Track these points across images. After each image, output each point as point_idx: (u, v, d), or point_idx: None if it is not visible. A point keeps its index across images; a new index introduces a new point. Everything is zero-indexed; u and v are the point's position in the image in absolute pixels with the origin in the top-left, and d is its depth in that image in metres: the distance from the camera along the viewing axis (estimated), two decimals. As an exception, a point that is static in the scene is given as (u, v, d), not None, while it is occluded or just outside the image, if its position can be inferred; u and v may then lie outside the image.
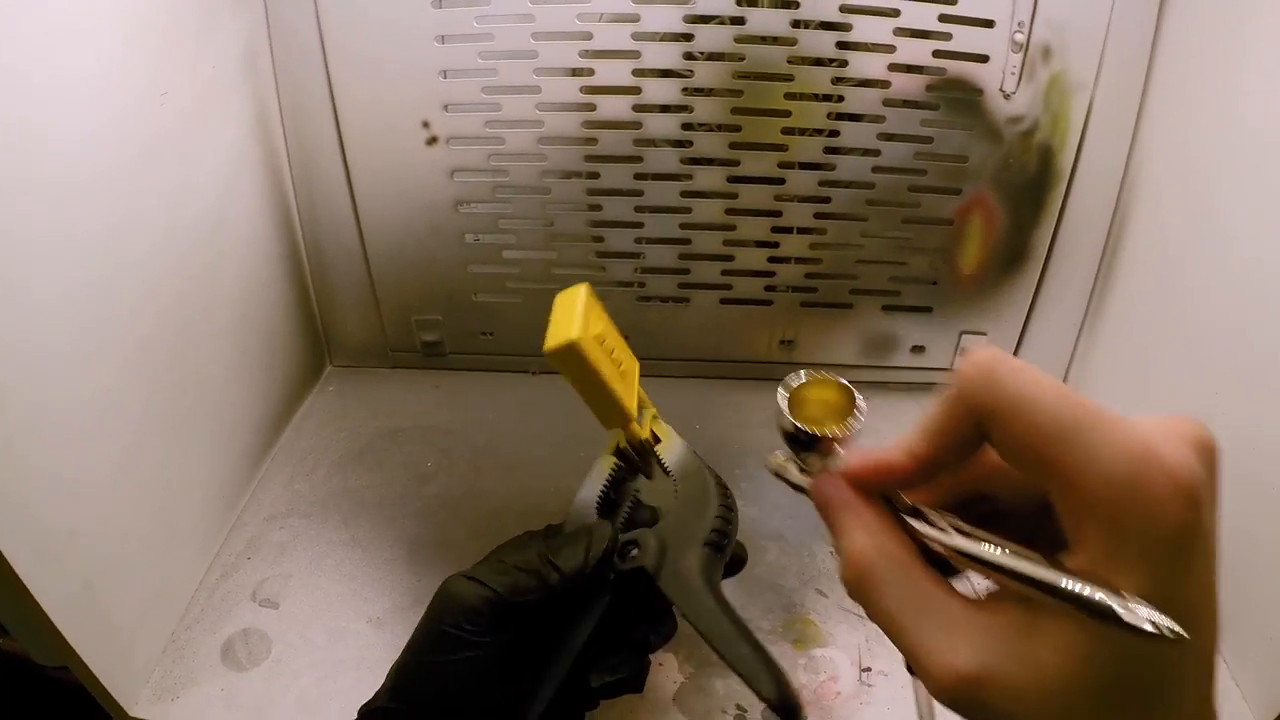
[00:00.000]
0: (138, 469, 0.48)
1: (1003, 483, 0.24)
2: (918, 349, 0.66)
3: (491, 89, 0.58)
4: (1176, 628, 0.18)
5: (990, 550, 0.21)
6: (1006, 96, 0.56)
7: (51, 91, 0.41)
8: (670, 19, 0.55)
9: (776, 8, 0.55)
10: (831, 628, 0.51)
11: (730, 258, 0.62)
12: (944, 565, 0.23)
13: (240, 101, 0.58)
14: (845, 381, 0.27)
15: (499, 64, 0.57)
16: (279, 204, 0.63)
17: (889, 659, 0.50)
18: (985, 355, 0.21)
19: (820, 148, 0.58)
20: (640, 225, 0.61)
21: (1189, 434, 0.20)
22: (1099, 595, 0.18)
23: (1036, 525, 0.23)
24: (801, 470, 0.26)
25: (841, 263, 0.62)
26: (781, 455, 0.27)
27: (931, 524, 0.23)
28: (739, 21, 0.55)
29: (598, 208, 0.61)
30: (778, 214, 0.60)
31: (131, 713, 0.48)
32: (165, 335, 0.51)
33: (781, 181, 0.59)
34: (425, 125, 0.59)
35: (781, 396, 0.27)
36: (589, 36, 0.56)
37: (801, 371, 0.28)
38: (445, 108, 0.59)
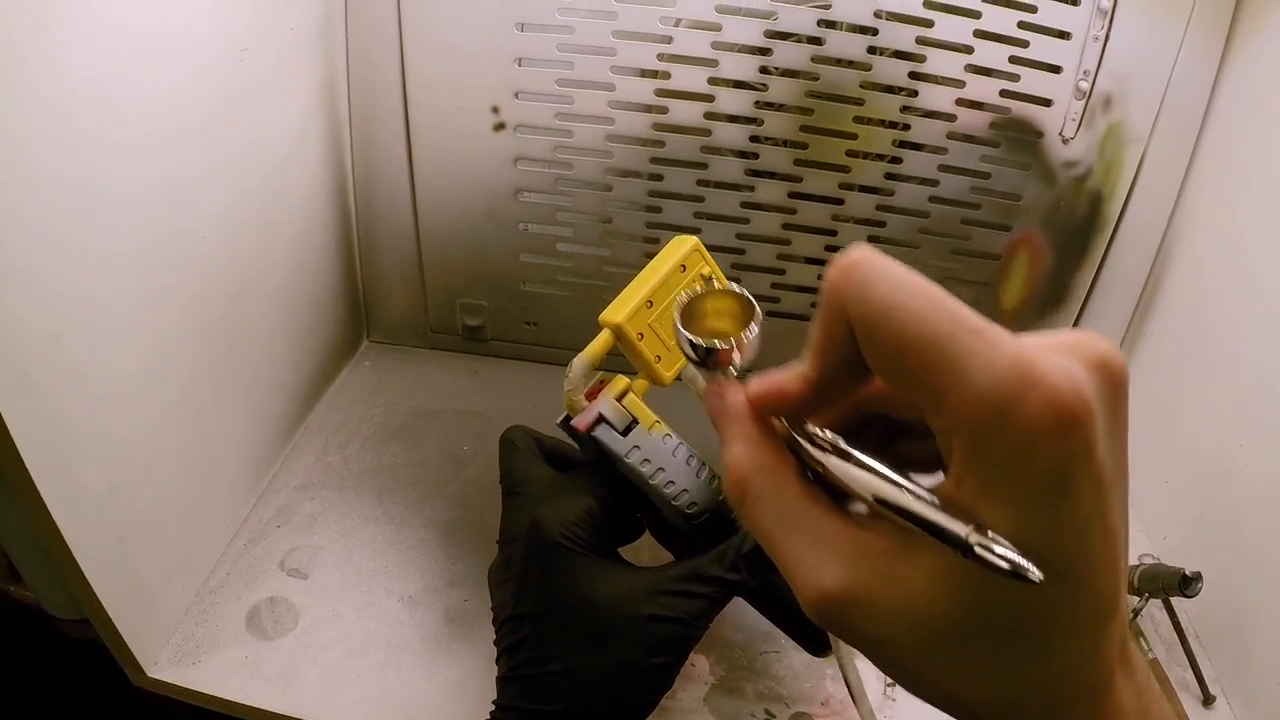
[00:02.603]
0: (180, 425, 0.48)
1: (895, 401, 0.23)
2: (952, 378, 0.68)
3: (565, 81, 0.58)
4: (1033, 569, 0.16)
5: (857, 472, 0.20)
6: (1065, 141, 0.58)
7: (145, 45, 0.41)
8: (751, 32, 0.56)
9: (855, 32, 0.56)
10: (861, 642, 0.52)
11: (782, 271, 0.63)
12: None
13: (312, 67, 0.57)
14: (743, 291, 0.26)
15: (576, 57, 0.58)
16: (337, 174, 0.62)
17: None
18: (852, 255, 0.19)
19: (882, 173, 0.59)
20: (698, 231, 0.62)
21: (1088, 352, 0.18)
22: (954, 527, 0.17)
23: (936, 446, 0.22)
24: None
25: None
26: (693, 368, 0.26)
27: (816, 443, 0.21)
28: (817, 42, 0.56)
29: (657, 209, 0.62)
30: (833, 233, 0.62)
31: (150, 673, 0.47)
32: (219, 297, 0.50)
33: (841, 202, 0.60)
34: (495, 110, 0.60)
35: (678, 307, 0.26)
36: (669, 40, 0.57)
37: (699, 286, 0.28)
38: (516, 95, 0.59)
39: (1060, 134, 0.58)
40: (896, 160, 0.59)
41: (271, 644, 0.49)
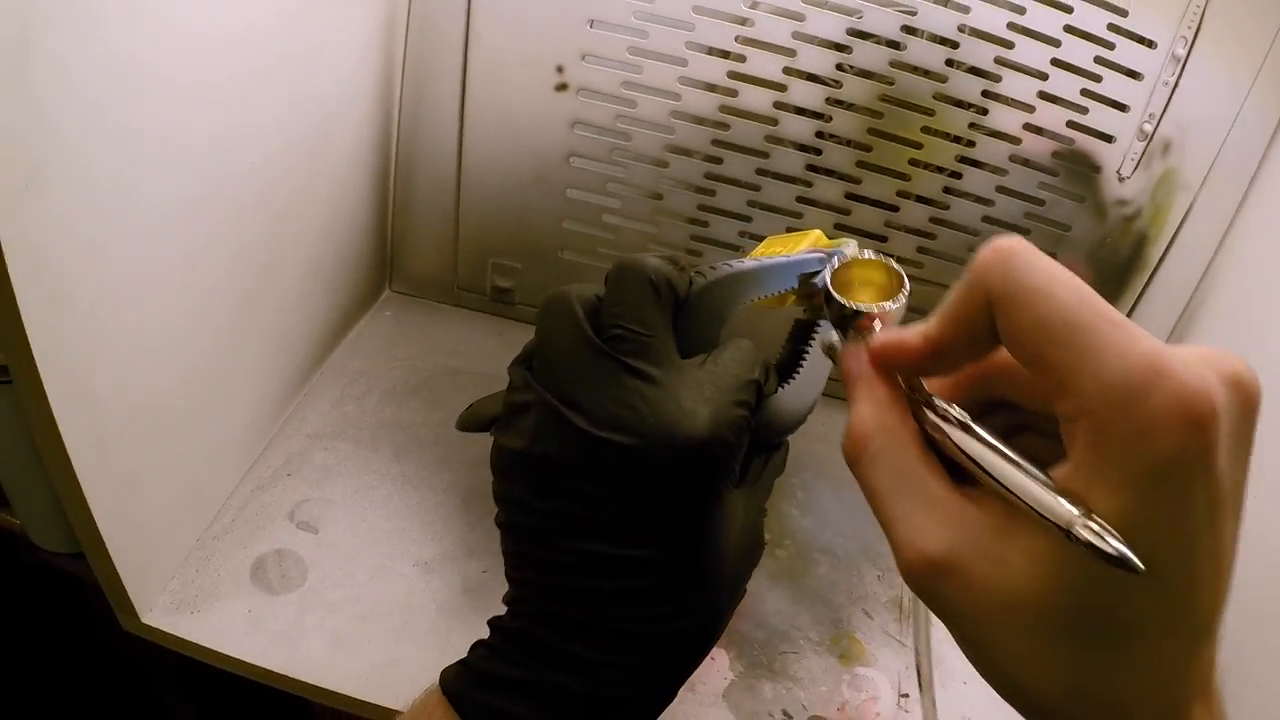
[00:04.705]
0: (202, 354, 0.45)
1: (1024, 385, 0.23)
2: (974, 399, 0.68)
3: (637, 50, 0.56)
4: (1133, 557, 0.16)
5: (972, 444, 0.20)
6: (1121, 179, 0.59)
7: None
8: (833, 27, 0.55)
9: (935, 43, 0.55)
10: (875, 649, 0.52)
11: (827, 272, 0.63)
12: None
13: (373, 6, 0.54)
14: (895, 264, 0.27)
15: (651, 27, 0.56)
16: (383, 119, 0.59)
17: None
18: (1007, 241, 0.20)
19: (941, 186, 0.59)
20: (749, 219, 0.61)
21: (1224, 366, 0.18)
22: (1060, 508, 0.17)
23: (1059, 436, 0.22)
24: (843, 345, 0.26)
25: (931, 301, 0.63)
26: (834, 335, 0.27)
27: (941, 415, 0.22)
28: (897, 46, 0.55)
29: (710, 193, 0.60)
30: (884, 239, 0.61)
31: (144, 619, 0.44)
32: (257, 224, 0.48)
33: (896, 209, 0.60)
34: (559, 70, 0.57)
35: (830, 269, 0.27)
36: (749, 23, 0.55)
37: (851, 251, 0.29)
38: (584, 57, 0.57)
39: (1118, 172, 0.59)
40: (956, 175, 0.59)
41: (278, 599, 0.46)
